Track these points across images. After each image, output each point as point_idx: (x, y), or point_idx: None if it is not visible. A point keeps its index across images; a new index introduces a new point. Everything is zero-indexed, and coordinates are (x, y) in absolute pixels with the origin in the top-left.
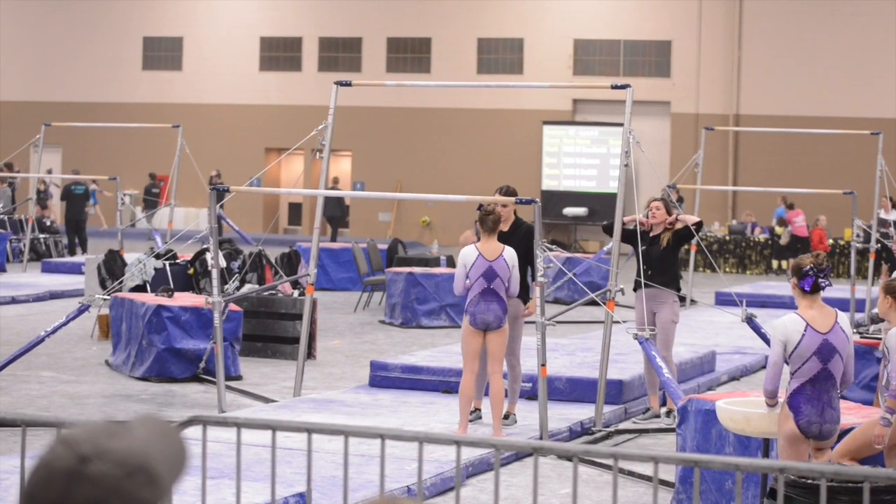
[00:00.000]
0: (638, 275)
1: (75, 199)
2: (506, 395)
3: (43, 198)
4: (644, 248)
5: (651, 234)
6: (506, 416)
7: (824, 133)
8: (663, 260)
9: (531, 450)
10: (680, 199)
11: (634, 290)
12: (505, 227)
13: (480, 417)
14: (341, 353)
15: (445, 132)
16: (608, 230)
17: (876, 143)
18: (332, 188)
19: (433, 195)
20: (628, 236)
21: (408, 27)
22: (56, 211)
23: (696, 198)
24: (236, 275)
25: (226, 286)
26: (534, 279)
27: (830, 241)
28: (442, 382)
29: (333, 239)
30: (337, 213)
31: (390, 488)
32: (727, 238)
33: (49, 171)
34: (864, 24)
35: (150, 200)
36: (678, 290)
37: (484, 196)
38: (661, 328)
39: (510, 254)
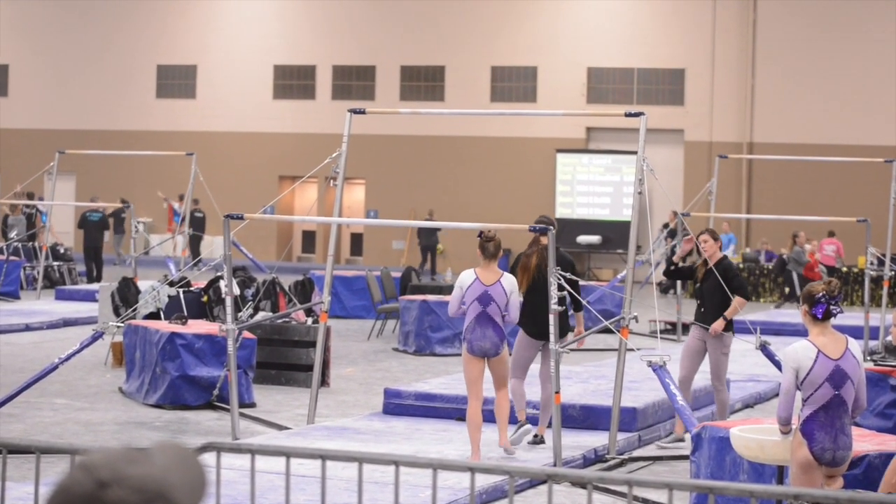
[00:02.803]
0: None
1: (92, 226)
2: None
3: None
4: (697, 284)
5: (706, 270)
6: (538, 437)
7: (838, 161)
8: (714, 294)
9: (545, 477)
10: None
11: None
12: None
13: (543, 441)
14: (355, 380)
15: (459, 160)
16: (669, 275)
17: (889, 170)
18: (428, 219)
19: (447, 223)
20: (688, 273)
21: (421, 55)
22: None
23: (709, 225)
24: (250, 302)
25: (239, 314)
26: (577, 309)
27: (844, 268)
28: (456, 410)
29: (432, 269)
30: (431, 241)
31: None
32: (741, 266)
33: (31, 196)
34: (878, 52)
35: (121, 223)
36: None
37: (498, 224)
38: (711, 359)
39: (508, 281)
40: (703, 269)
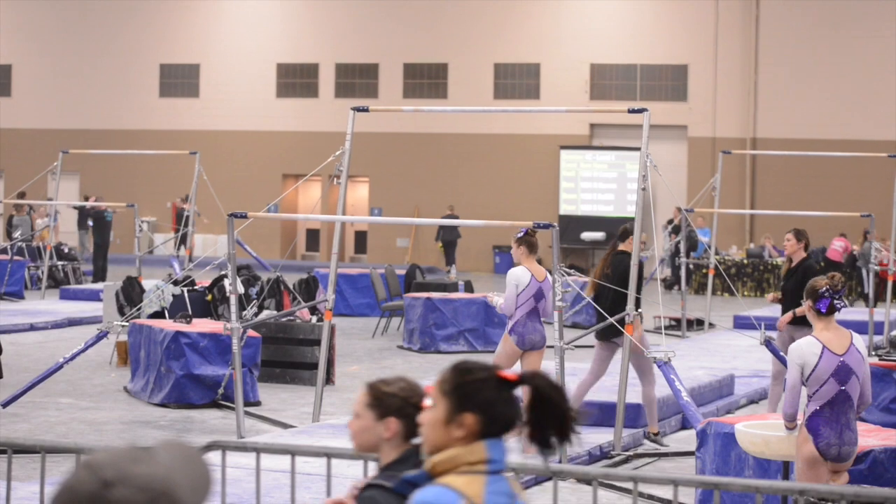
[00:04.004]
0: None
1: (106, 225)
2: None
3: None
4: (782, 283)
5: (788, 269)
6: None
7: (841, 156)
8: (796, 293)
9: (550, 474)
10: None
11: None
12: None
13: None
14: (360, 378)
15: (462, 157)
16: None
17: (893, 165)
18: (449, 216)
19: (450, 220)
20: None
21: (424, 53)
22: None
23: (713, 221)
24: (254, 301)
25: (244, 312)
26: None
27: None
28: None
29: (449, 263)
30: (452, 236)
31: None
32: (745, 262)
33: (22, 195)
34: (881, 47)
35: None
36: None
37: (503, 221)
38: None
39: (550, 275)
40: (786, 267)
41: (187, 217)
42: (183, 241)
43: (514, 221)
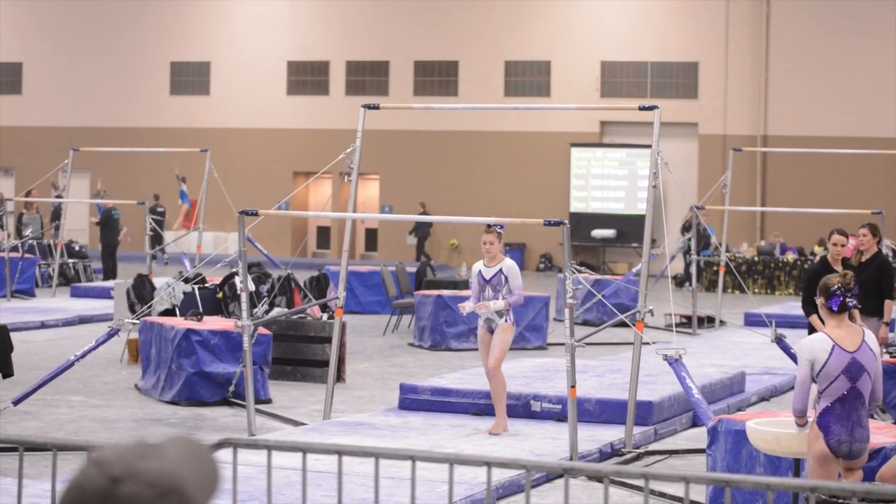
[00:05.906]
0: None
1: (115, 223)
2: None
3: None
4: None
5: (860, 262)
6: None
7: (852, 153)
8: (869, 288)
9: (562, 471)
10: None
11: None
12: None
13: None
14: (370, 376)
15: (473, 155)
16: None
17: None
18: (422, 213)
19: (461, 218)
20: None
21: (435, 50)
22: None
23: (724, 219)
24: (265, 298)
25: (255, 310)
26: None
27: None
28: (472, 405)
29: (419, 258)
30: (423, 234)
31: None
32: (756, 259)
33: (28, 194)
34: (892, 45)
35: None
36: (880, 315)
37: (514, 218)
38: None
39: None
40: (857, 260)
41: (161, 210)
42: (156, 240)
43: (525, 219)
